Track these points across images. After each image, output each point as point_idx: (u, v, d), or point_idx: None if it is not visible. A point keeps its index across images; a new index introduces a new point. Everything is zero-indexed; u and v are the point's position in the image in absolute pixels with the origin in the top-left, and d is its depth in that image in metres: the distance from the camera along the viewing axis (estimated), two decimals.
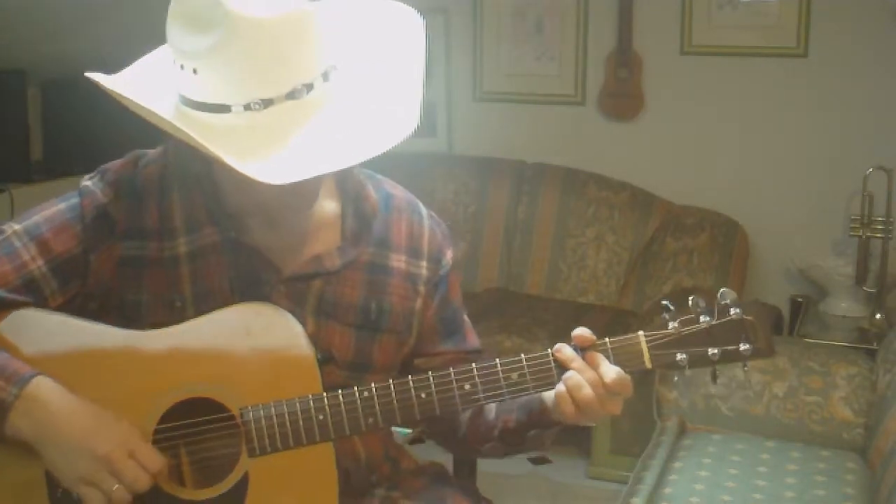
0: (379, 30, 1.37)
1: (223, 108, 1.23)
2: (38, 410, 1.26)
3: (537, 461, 3.44)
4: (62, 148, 3.49)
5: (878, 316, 3.61)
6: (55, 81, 3.45)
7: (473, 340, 1.57)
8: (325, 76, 1.27)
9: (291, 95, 1.23)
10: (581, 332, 1.36)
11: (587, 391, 1.31)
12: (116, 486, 1.25)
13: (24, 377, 1.26)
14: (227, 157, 1.18)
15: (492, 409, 1.49)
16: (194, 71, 1.22)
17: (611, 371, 1.32)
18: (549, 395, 1.38)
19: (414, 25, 1.36)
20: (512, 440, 1.49)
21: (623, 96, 4.06)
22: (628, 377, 1.33)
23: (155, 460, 1.27)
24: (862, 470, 2.37)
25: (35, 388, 1.26)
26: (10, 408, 1.25)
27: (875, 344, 3.37)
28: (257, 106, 1.22)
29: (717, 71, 3.94)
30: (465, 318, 1.57)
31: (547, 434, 1.47)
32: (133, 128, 2.89)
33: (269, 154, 1.22)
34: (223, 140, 1.20)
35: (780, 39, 3.82)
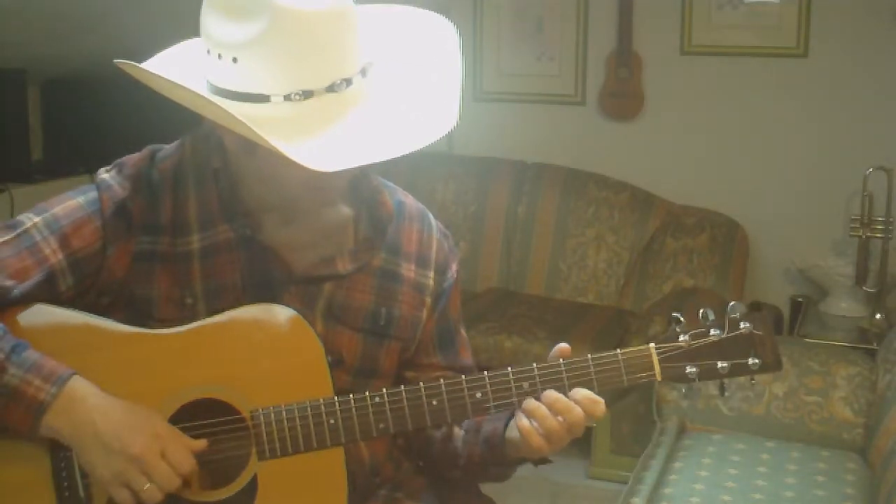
0: (412, 34, 1.38)
1: (262, 98, 1.23)
2: (76, 410, 1.26)
3: (537, 461, 3.42)
4: (62, 148, 3.49)
5: (878, 316, 3.62)
6: (55, 81, 3.45)
7: (467, 358, 1.56)
8: (364, 72, 1.28)
9: (331, 88, 1.24)
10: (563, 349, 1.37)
11: (552, 422, 1.31)
12: (147, 485, 1.25)
13: (62, 377, 1.26)
14: (273, 141, 1.18)
15: (460, 437, 1.49)
16: (233, 60, 1.22)
17: (580, 394, 1.32)
18: (512, 432, 1.38)
19: (447, 32, 1.37)
20: (475, 471, 1.50)
21: (623, 96, 4.06)
22: (600, 400, 1.33)
23: (185, 461, 1.27)
24: (862, 470, 2.37)
25: (72, 388, 1.26)
26: (48, 408, 1.25)
27: (875, 344, 3.38)
28: (297, 97, 1.23)
29: (717, 71, 3.94)
30: (463, 334, 1.57)
31: (510, 469, 1.48)
32: (134, 127, 2.89)
33: (308, 143, 1.22)
34: (261, 129, 1.20)
35: (780, 39, 3.82)
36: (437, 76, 1.32)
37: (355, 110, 1.26)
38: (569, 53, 4.14)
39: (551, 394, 1.32)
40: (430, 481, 1.55)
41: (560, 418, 1.31)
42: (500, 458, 1.44)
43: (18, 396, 1.25)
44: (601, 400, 1.33)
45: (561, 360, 1.35)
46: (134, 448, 1.24)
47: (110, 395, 1.29)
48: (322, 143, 1.22)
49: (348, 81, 1.25)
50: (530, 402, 1.33)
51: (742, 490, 2.23)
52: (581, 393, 1.33)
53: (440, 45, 1.36)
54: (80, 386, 1.27)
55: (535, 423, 1.32)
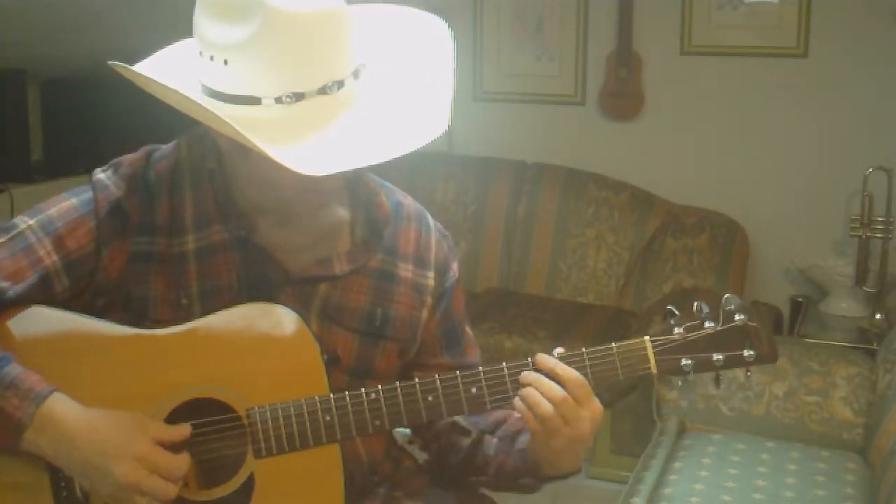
0: (407, 35, 1.37)
1: (253, 101, 1.23)
2: (55, 431, 1.24)
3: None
4: (62, 148, 3.49)
5: (878, 316, 3.61)
6: (55, 81, 3.45)
7: (474, 356, 1.56)
8: (356, 74, 1.27)
9: (323, 91, 1.24)
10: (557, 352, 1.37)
11: (546, 407, 1.31)
12: (145, 501, 1.25)
13: (39, 394, 1.25)
14: (263, 147, 1.18)
15: (492, 445, 1.49)
16: (225, 62, 1.22)
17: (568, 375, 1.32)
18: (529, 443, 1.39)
19: (441, 33, 1.36)
20: (505, 481, 1.49)
21: (623, 96, 4.06)
22: (582, 379, 1.32)
23: (177, 469, 1.27)
24: (862, 470, 2.37)
25: (50, 407, 1.25)
26: (26, 427, 1.24)
27: (875, 344, 3.37)
28: (288, 99, 1.22)
29: (717, 71, 3.94)
30: (469, 333, 1.57)
31: (540, 483, 1.48)
32: (133, 127, 2.89)
33: (299, 146, 1.21)
34: (252, 131, 1.20)
35: (780, 39, 3.82)
36: (431, 78, 1.32)
37: (347, 113, 1.26)
38: (569, 53, 4.14)
39: (531, 374, 1.33)
40: (430, 480, 1.55)
41: (547, 402, 1.31)
42: (533, 469, 1.43)
43: None
44: (571, 370, 1.33)
45: (556, 353, 1.35)
46: (121, 477, 1.23)
47: (92, 408, 1.27)
48: (312, 146, 1.22)
49: (340, 84, 1.25)
50: (524, 386, 1.33)
51: (742, 490, 2.23)
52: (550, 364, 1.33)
53: (434, 46, 1.35)
54: (58, 406, 1.25)
55: (527, 406, 1.32)
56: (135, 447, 1.25)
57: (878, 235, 3.59)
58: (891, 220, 3.57)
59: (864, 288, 3.63)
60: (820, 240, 3.88)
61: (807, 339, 3.56)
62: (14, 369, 1.26)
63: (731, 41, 3.89)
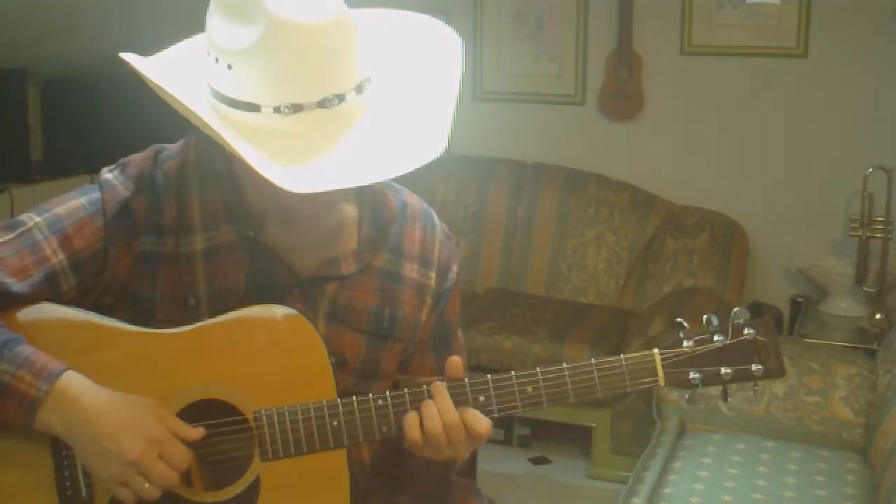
0: (417, 46, 1.36)
1: (253, 107, 1.22)
2: (69, 408, 1.25)
3: (537, 461, 3.45)
4: (62, 148, 3.49)
5: (878, 316, 3.62)
6: (55, 81, 3.45)
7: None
8: (359, 88, 1.25)
9: (322, 104, 1.22)
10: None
11: (437, 427, 1.31)
12: (147, 485, 1.25)
13: (53, 373, 1.26)
14: (252, 159, 1.18)
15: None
16: (229, 66, 1.22)
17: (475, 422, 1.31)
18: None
19: (452, 46, 1.34)
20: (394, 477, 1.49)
21: (623, 96, 4.06)
22: (488, 426, 1.32)
23: (182, 459, 1.27)
24: (862, 470, 2.37)
25: (65, 384, 1.26)
26: (40, 404, 1.25)
27: (875, 344, 3.38)
28: (287, 110, 1.21)
29: (717, 71, 3.94)
30: (460, 338, 1.56)
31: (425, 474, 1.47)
32: (133, 127, 2.89)
33: (292, 160, 1.21)
34: (249, 139, 1.19)
35: (780, 39, 3.83)
36: (434, 99, 1.30)
37: (344, 129, 1.24)
38: (569, 53, 4.14)
39: (446, 399, 1.32)
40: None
41: (445, 430, 1.31)
42: (399, 459, 1.44)
43: (11, 392, 1.25)
44: (488, 422, 1.32)
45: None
46: (131, 454, 1.24)
47: (106, 388, 1.28)
48: (303, 160, 1.21)
49: (341, 97, 1.23)
50: (427, 402, 1.32)
51: (742, 490, 2.23)
52: (471, 412, 1.32)
53: (443, 62, 1.33)
54: (72, 382, 1.26)
55: (423, 422, 1.31)
56: (149, 429, 1.26)
57: (878, 235, 3.59)
58: (891, 220, 3.58)
59: (864, 288, 3.63)
60: (820, 240, 3.88)
61: (807, 339, 3.57)
62: (26, 349, 1.27)
63: (731, 41, 3.89)
